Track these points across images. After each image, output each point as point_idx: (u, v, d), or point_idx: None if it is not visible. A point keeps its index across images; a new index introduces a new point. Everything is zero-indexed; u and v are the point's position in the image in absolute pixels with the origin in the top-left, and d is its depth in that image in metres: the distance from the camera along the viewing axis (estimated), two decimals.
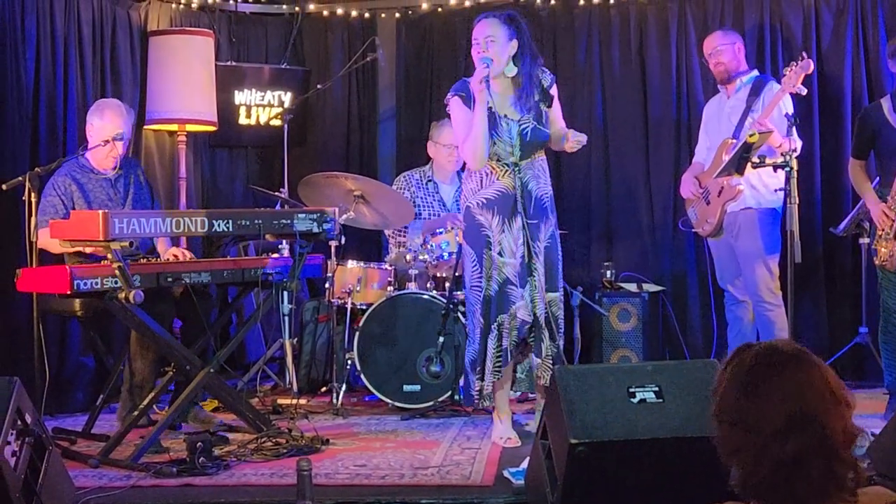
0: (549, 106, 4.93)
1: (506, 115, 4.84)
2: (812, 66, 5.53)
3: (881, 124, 5.40)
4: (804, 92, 5.66)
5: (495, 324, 4.82)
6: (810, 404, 2.05)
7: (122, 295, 4.37)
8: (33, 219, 4.88)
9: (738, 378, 2.13)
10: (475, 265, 4.86)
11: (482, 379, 4.86)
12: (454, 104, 4.92)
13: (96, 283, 4.37)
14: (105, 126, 5.22)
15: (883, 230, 5.26)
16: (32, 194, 4.87)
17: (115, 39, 6.54)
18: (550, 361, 4.82)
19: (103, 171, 5.29)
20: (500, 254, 4.81)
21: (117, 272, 4.34)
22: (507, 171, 4.83)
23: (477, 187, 4.87)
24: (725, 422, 2.13)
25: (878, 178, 5.50)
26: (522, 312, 4.81)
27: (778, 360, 2.11)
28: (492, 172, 4.84)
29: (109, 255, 4.32)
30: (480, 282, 4.84)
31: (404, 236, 6.48)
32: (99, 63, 6.40)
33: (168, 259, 5.20)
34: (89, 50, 6.29)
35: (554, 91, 4.97)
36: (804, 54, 5.62)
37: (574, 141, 4.84)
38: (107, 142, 5.21)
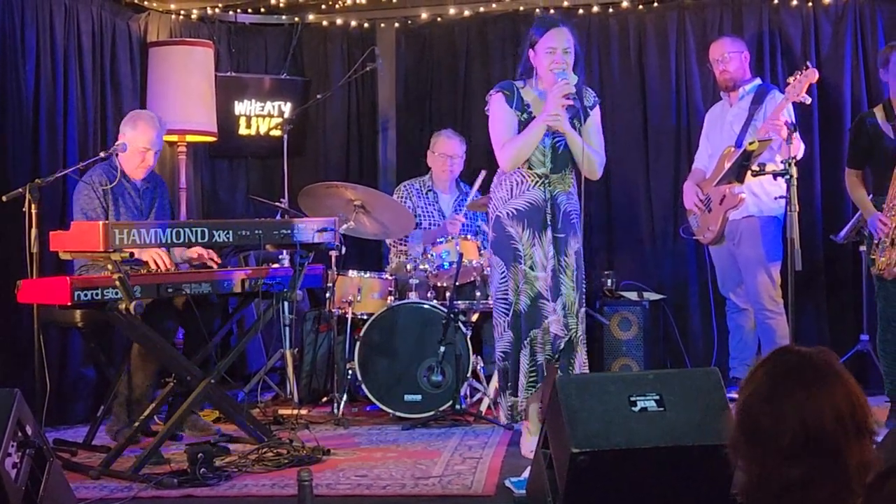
0: (583, 123, 4.83)
1: None
2: (817, 75, 5.54)
3: (875, 133, 5.41)
4: (808, 101, 5.68)
5: (528, 339, 4.71)
6: (828, 430, 2.00)
7: (122, 306, 4.38)
8: (34, 230, 4.88)
9: (766, 384, 2.08)
10: (503, 276, 4.78)
11: (515, 395, 4.78)
12: (496, 100, 4.81)
13: (97, 295, 4.38)
14: (137, 137, 5.25)
15: (880, 239, 5.26)
16: (33, 205, 4.87)
17: (115, 51, 6.54)
18: None
19: (133, 179, 5.31)
20: (531, 268, 4.72)
21: (118, 283, 4.34)
22: (537, 181, 4.76)
23: (507, 196, 4.78)
24: (741, 427, 2.10)
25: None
26: (555, 327, 4.69)
27: (807, 376, 2.05)
28: (522, 182, 4.76)
29: (110, 266, 4.32)
30: (507, 294, 4.76)
31: (406, 245, 6.48)
32: (99, 74, 6.40)
33: (192, 256, 5.22)
34: (89, 61, 6.29)
35: (595, 111, 4.89)
36: (808, 63, 5.63)
37: (559, 88, 4.65)
38: (109, 155, 5.22)
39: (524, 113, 4.79)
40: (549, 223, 4.75)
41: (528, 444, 4.82)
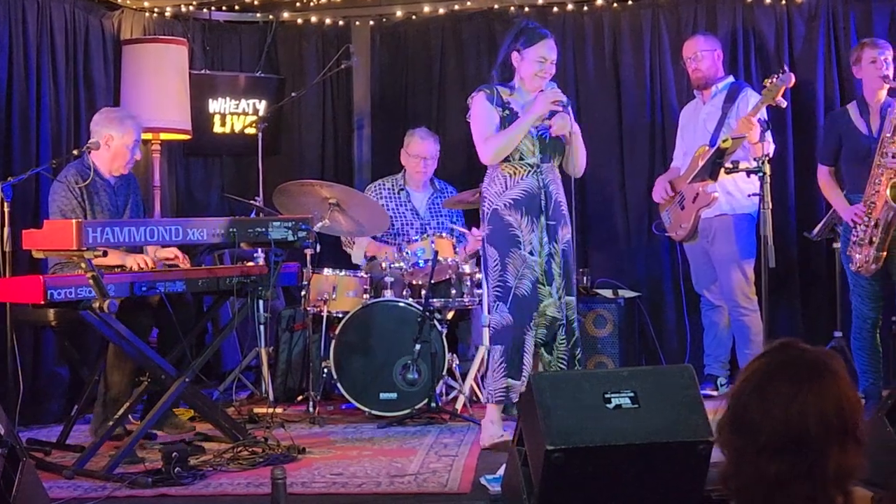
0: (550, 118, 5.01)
1: None
2: (793, 80, 5.56)
3: (848, 130, 5.44)
4: (784, 104, 5.71)
5: (532, 322, 4.89)
6: (810, 430, 1.98)
7: (96, 304, 4.36)
8: (6, 228, 4.85)
9: (759, 376, 2.07)
10: (496, 265, 4.93)
11: (514, 377, 4.87)
12: (479, 99, 5.03)
13: (70, 293, 4.35)
14: (126, 136, 5.24)
15: (857, 236, 5.29)
16: (5, 203, 4.85)
17: (88, 48, 6.50)
18: (564, 363, 4.94)
19: (107, 177, 5.28)
20: (530, 253, 4.90)
21: (91, 282, 4.32)
22: (529, 170, 4.95)
23: (501, 189, 4.96)
24: (729, 415, 2.09)
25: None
26: (552, 310, 4.94)
27: (799, 373, 2.03)
28: (515, 173, 4.95)
29: (83, 265, 4.30)
30: (505, 280, 4.90)
31: (352, 248, 6.50)
32: (72, 72, 6.35)
33: (169, 257, 5.24)
34: (62, 58, 6.25)
35: (570, 113, 5.06)
36: (785, 67, 5.66)
37: (552, 94, 4.93)
38: (82, 153, 5.20)
39: (505, 110, 5.00)
40: (543, 209, 4.94)
41: (489, 431, 4.93)
